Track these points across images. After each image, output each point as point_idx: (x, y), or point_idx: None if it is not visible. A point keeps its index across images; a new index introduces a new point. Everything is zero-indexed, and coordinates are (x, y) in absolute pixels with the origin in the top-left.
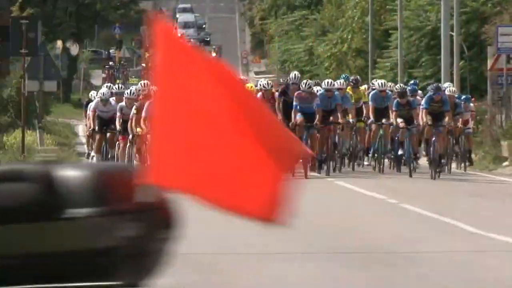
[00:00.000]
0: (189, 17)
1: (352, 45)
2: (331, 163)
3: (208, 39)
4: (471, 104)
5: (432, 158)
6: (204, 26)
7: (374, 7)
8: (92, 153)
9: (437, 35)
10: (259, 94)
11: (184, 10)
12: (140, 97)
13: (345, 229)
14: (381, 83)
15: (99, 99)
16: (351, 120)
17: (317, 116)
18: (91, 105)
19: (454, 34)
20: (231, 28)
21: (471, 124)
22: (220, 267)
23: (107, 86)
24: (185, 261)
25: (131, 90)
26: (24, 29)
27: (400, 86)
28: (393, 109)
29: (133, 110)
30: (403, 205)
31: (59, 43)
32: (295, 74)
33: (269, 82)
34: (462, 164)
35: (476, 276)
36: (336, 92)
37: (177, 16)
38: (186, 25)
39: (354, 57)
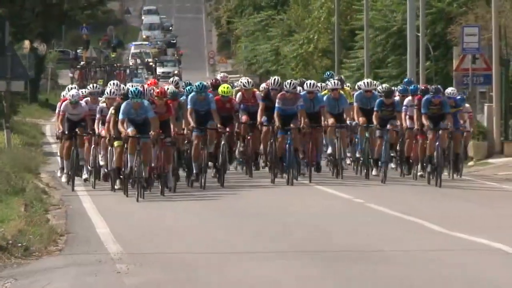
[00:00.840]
0: (154, 18)
1: (318, 45)
2: (312, 168)
3: (174, 41)
4: (467, 105)
5: (437, 164)
6: (170, 28)
7: (340, 7)
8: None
9: (403, 35)
10: (239, 94)
11: (149, 12)
12: (118, 98)
13: (317, 229)
14: (367, 83)
15: (68, 101)
16: (348, 122)
17: (302, 117)
18: (61, 108)
19: (420, 34)
20: (197, 29)
21: (467, 124)
22: (190, 265)
23: (74, 87)
24: (155, 260)
25: (111, 90)
26: None
27: (387, 86)
28: (375, 109)
29: (111, 111)
30: (373, 206)
31: (27, 43)
32: (275, 79)
33: (250, 80)
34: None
35: (443, 274)
36: (319, 94)
37: (143, 17)
38: (151, 27)
39: (320, 57)
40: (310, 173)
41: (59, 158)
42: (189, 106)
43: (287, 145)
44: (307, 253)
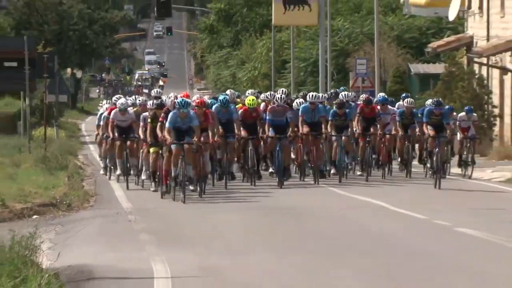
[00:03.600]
0: (152, 57)
1: (261, 71)
2: (317, 172)
3: (166, 73)
4: (474, 114)
5: (436, 167)
6: (163, 64)
7: (275, 46)
8: (102, 165)
9: (317, 65)
10: (262, 104)
11: (149, 53)
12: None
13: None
14: (345, 94)
15: (117, 109)
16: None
17: (290, 128)
18: (110, 116)
19: (328, 64)
20: (181, 60)
21: (472, 131)
22: (179, 218)
23: (120, 97)
24: (154, 213)
25: (153, 102)
26: (45, 61)
27: (339, 98)
28: (329, 118)
29: (148, 119)
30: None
31: (69, 70)
32: (282, 91)
33: (272, 93)
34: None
35: (345, 227)
36: (320, 105)
37: (145, 56)
38: (149, 62)
39: (262, 79)
40: (315, 176)
41: (98, 158)
42: None
43: (277, 151)
44: (256, 210)
